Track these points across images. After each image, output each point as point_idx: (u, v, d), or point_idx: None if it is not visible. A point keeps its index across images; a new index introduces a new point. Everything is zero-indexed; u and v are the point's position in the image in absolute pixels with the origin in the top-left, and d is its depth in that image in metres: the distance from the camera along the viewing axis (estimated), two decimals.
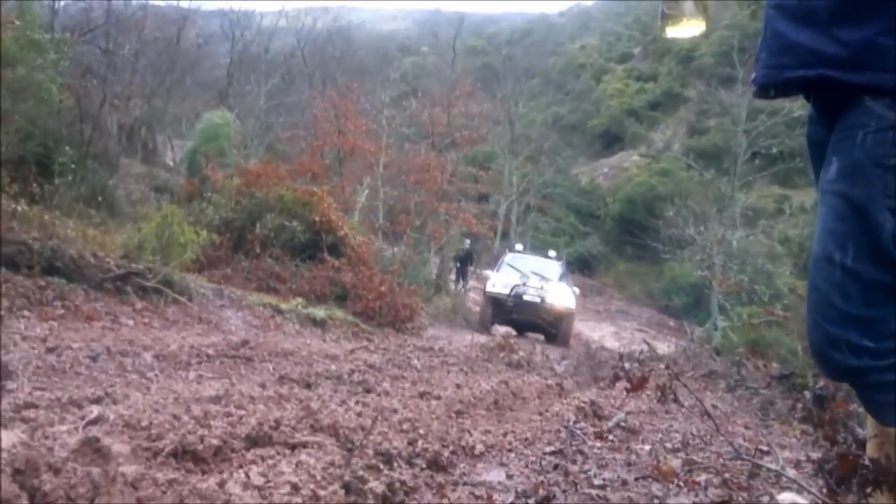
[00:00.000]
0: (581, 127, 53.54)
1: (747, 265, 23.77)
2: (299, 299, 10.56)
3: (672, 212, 25.69)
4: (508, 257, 17.93)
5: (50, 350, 4.50)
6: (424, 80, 37.47)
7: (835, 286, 1.82)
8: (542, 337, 15.33)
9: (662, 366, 10.03)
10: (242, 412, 3.13)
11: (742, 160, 24.66)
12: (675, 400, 3.06)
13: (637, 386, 3.31)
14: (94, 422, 2.76)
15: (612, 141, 54.94)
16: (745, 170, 25.24)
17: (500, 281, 15.81)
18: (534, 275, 15.92)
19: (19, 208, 9.07)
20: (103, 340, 5.30)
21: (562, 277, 16.64)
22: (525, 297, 14.97)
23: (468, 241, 24.01)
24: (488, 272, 17.49)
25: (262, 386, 4.27)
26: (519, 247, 19.56)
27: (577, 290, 16.80)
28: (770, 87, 1.97)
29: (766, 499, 2.52)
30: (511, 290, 15.13)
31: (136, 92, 19.95)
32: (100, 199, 12.97)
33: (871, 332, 1.79)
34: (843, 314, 1.81)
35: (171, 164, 25.56)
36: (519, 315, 15.12)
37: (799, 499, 2.35)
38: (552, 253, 18.37)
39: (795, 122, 27.31)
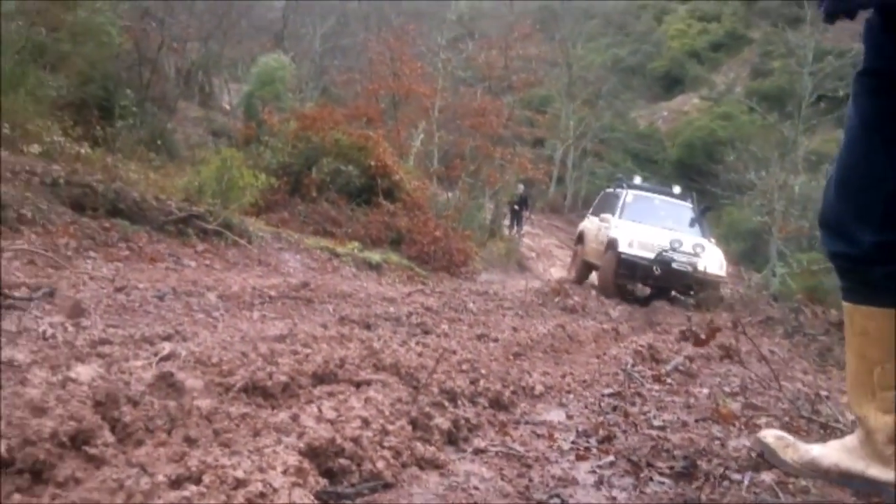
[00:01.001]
0: (641, 69, 52.24)
1: (809, 211, 23.24)
2: (355, 243, 10.69)
3: (732, 156, 25.13)
4: (630, 196, 14.07)
5: (118, 289, 4.66)
6: (481, 22, 36.87)
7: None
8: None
9: (724, 315, 9.99)
10: (308, 350, 3.21)
11: (806, 103, 23.93)
12: (738, 356, 3.04)
13: (702, 342, 3.31)
14: (167, 357, 2.87)
15: (672, 84, 53.57)
16: (810, 113, 24.51)
17: (636, 237, 12.40)
18: (669, 231, 12.77)
19: (82, 151, 9.32)
20: (167, 281, 5.45)
21: (701, 228, 13.38)
22: (675, 266, 12.00)
23: (522, 186, 23.83)
24: (608, 217, 13.47)
25: (324, 326, 4.36)
26: (637, 179, 15.09)
27: (713, 241, 13.38)
28: (839, 15, 1.90)
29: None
30: (657, 255, 12.02)
31: (193, 35, 20.06)
32: (159, 142, 13.21)
33: None
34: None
35: (227, 107, 25.78)
36: (662, 282, 12.31)
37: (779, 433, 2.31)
38: (677, 189, 14.56)
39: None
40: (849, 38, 41.16)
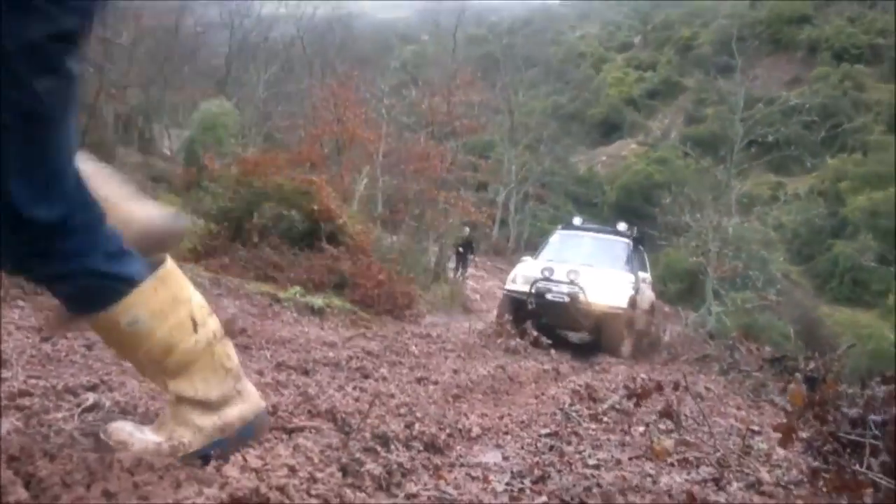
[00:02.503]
0: (580, 116, 53.67)
1: (742, 251, 23.92)
2: (297, 288, 10.56)
3: (668, 199, 25.80)
4: (556, 236, 13.44)
5: (45, 339, 4.52)
6: (424, 69, 37.37)
7: None
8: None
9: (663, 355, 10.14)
10: None
11: (738, 148, 24.81)
12: (677, 416, 3.10)
13: (641, 397, 3.36)
14: (90, 409, 2.78)
15: (610, 129, 55.09)
16: (741, 157, 25.42)
17: (524, 273, 11.59)
18: (581, 265, 11.54)
19: None
20: None
21: (628, 262, 12.20)
22: (548, 296, 10.86)
23: (467, 229, 23.98)
24: (527, 258, 12.81)
25: (260, 373, 4.28)
26: (577, 220, 13.87)
27: (647, 277, 12.36)
28: None
29: (754, 476, 2.55)
30: (531, 287, 11.00)
31: (134, 81, 19.94)
32: None
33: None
34: None
35: (168, 153, 25.54)
36: (548, 319, 10.85)
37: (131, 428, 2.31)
38: (622, 226, 13.17)
39: (792, 111, 27.44)
40: (777, 86, 42.83)
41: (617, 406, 4.47)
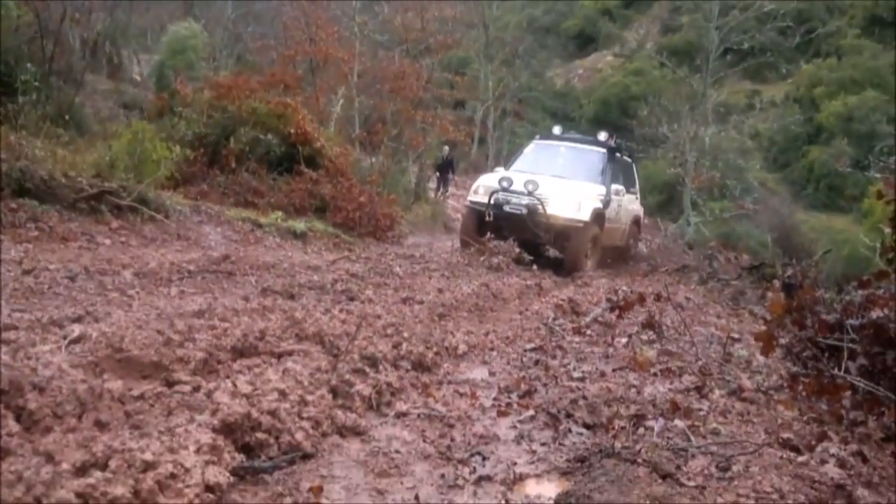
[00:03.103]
0: (555, 28, 52.70)
1: (719, 161, 23.96)
2: (278, 213, 10.50)
3: (645, 111, 25.59)
4: (530, 146, 12.67)
5: (26, 272, 4.49)
6: None
7: None
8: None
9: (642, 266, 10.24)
10: (226, 324, 3.16)
11: (714, 56, 24.51)
12: (659, 327, 3.13)
13: (623, 310, 3.39)
14: (77, 340, 2.78)
15: (586, 42, 54.27)
16: (717, 66, 25.13)
17: (485, 183, 10.89)
18: (550, 176, 10.79)
19: None
20: (80, 261, 5.28)
21: (602, 173, 11.28)
22: (506, 208, 10.23)
23: (447, 148, 23.75)
24: (499, 169, 11.99)
25: (246, 299, 4.30)
26: (556, 129, 12.93)
27: (620, 190, 11.31)
28: None
29: (735, 383, 2.61)
30: (489, 198, 10.32)
31: (98, 5, 19.17)
32: (67, 117, 12.63)
33: None
34: None
35: (138, 78, 24.90)
36: (509, 232, 10.21)
37: None
38: (602, 135, 12.29)
39: (766, 17, 27.05)
40: None
41: (600, 319, 4.53)
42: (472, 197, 10.94)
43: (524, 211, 10.07)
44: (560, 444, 2.19)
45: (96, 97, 18.00)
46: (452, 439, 2.20)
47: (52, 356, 2.42)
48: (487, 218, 10.26)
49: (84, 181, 7.61)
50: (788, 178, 38.60)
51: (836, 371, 2.56)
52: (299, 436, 2.02)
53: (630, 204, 12.01)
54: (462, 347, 3.49)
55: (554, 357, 3.42)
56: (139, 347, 2.61)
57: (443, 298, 5.00)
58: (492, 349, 3.62)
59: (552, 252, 11.05)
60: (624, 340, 3.85)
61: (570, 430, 2.30)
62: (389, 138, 19.74)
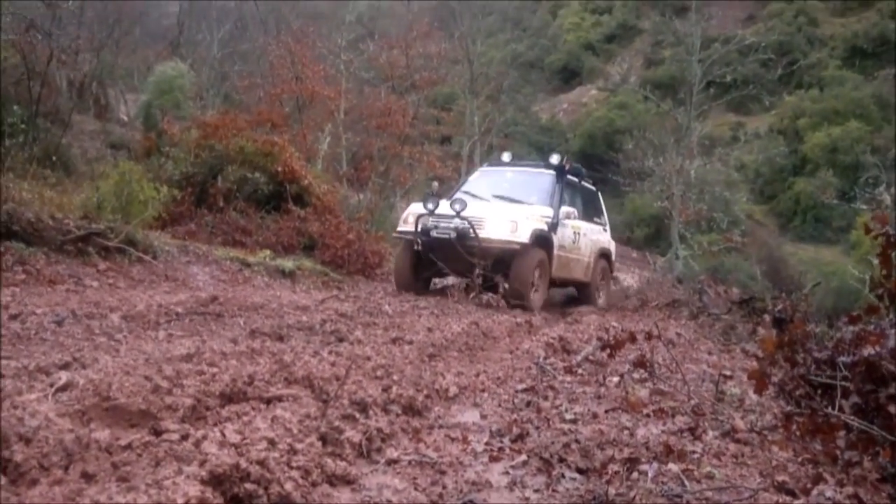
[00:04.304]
0: (539, 63, 53.33)
1: (705, 194, 24.16)
2: (266, 251, 10.49)
3: (631, 144, 25.88)
4: (476, 173, 11.76)
5: (13, 317, 4.44)
6: (381, 22, 36.73)
7: None
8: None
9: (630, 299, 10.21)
10: (215, 369, 3.13)
11: (697, 89, 24.80)
12: (651, 365, 3.12)
13: (616, 347, 3.38)
14: (64, 388, 2.74)
15: (570, 76, 54.91)
16: (700, 99, 25.43)
17: (412, 209, 9.77)
18: (499, 198, 9.93)
19: None
20: (68, 304, 5.23)
21: (550, 196, 10.06)
22: (434, 234, 9.06)
23: (436, 184, 23.88)
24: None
25: (234, 341, 4.26)
26: (506, 156, 11.72)
27: (571, 212, 9.93)
28: None
29: (729, 423, 2.60)
30: (416, 224, 9.20)
31: (84, 46, 19.25)
32: (54, 158, 12.64)
33: None
34: None
35: (125, 119, 24.92)
36: (440, 260, 9.17)
37: None
38: (555, 158, 10.71)
39: (748, 50, 27.49)
40: (733, 25, 42.86)
41: (591, 357, 4.51)
42: (400, 227, 9.75)
43: (452, 235, 8.92)
44: (553, 490, 2.16)
45: (83, 137, 17.99)
46: (444, 486, 2.17)
47: (38, 405, 2.39)
48: (416, 247, 9.24)
49: (71, 223, 7.59)
50: (775, 209, 38.93)
51: (829, 409, 2.55)
52: (289, 486, 1.99)
53: (594, 234, 11.01)
54: (453, 389, 3.47)
55: (546, 398, 3.40)
56: (127, 395, 2.58)
57: (432, 338, 4.97)
58: (483, 390, 3.60)
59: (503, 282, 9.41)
60: (616, 379, 3.84)
61: (563, 476, 2.28)
62: (377, 175, 19.82)
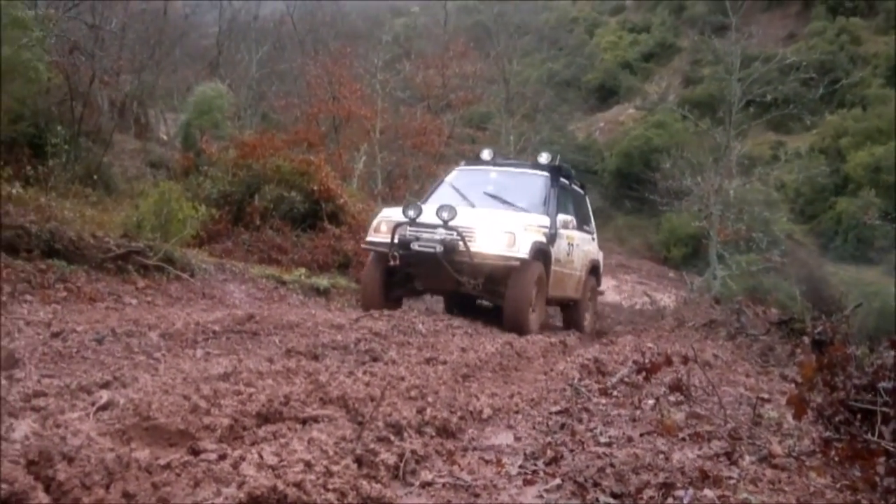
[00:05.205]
0: (576, 82, 53.18)
1: (744, 213, 23.84)
2: (302, 269, 10.60)
3: (669, 164, 25.69)
4: (452, 174, 10.03)
5: (55, 335, 4.53)
6: (417, 42, 37.09)
7: None
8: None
9: (667, 322, 10.10)
10: (252, 389, 3.17)
11: (736, 108, 24.57)
12: (687, 389, 3.10)
13: (652, 371, 3.36)
14: (105, 407, 2.80)
15: (607, 95, 54.67)
16: (740, 118, 25.18)
17: (386, 217, 8.35)
18: (486, 203, 8.68)
19: (14, 191, 9.07)
20: (108, 321, 5.32)
21: (544, 202, 8.85)
22: (416, 247, 7.75)
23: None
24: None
25: (270, 360, 4.30)
26: (486, 153, 9.90)
27: (569, 221, 8.85)
28: None
29: (766, 448, 2.57)
30: (392, 235, 7.81)
31: (126, 66, 19.73)
32: (95, 177, 12.93)
33: None
34: None
35: (165, 138, 25.40)
36: (421, 279, 8.19)
37: None
38: (544, 156, 9.53)
39: (789, 69, 27.18)
40: (773, 44, 42.50)
41: (626, 379, 4.48)
42: (371, 237, 8.33)
43: (439, 248, 7.60)
44: None
45: (124, 157, 18.38)
46: None
47: (80, 424, 2.44)
48: (392, 262, 7.80)
49: (111, 241, 7.74)
50: (816, 229, 38.26)
51: (869, 435, 2.51)
52: None
53: (585, 244, 9.77)
54: (487, 411, 3.47)
55: (580, 420, 3.38)
56: (166, 415, 2.62)
57: (466, 358, 4.97)
58: (517, 412, 3.60)
59: (485, 301, 8.73)
60: (651, 402, 3.80)
61: (597, 501, 2.26)
62: (412, 194, 19.92)
